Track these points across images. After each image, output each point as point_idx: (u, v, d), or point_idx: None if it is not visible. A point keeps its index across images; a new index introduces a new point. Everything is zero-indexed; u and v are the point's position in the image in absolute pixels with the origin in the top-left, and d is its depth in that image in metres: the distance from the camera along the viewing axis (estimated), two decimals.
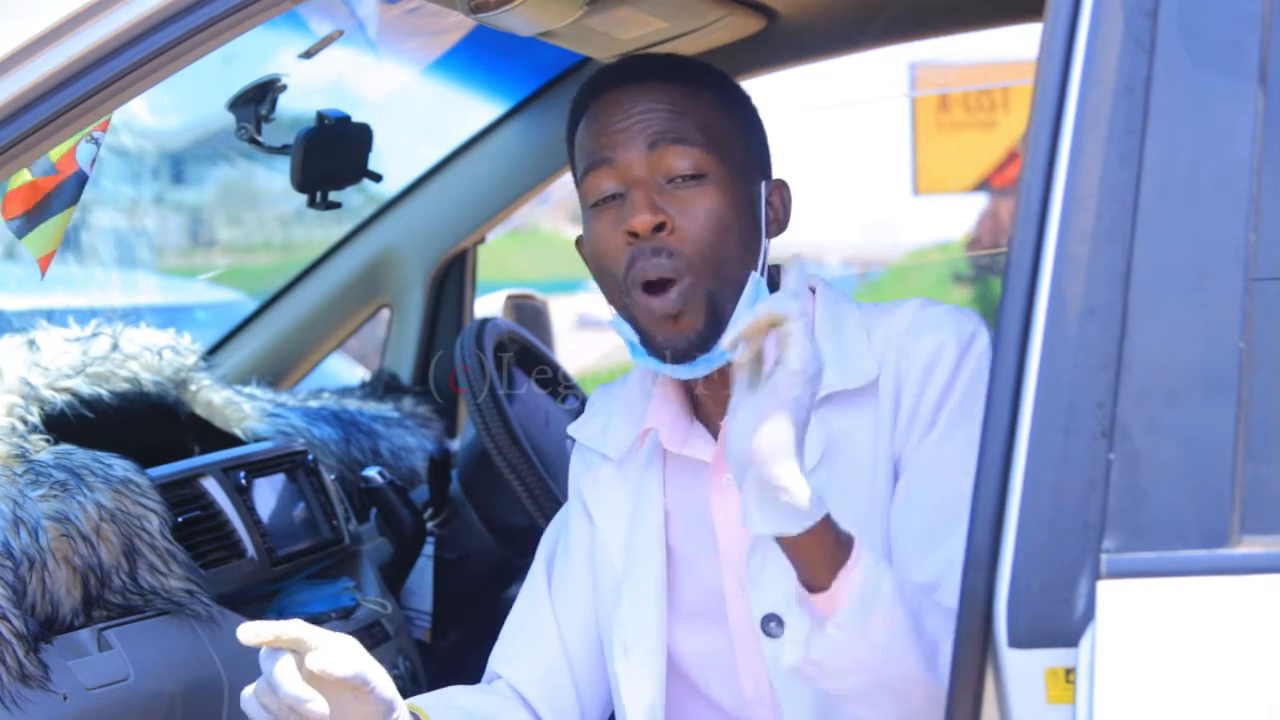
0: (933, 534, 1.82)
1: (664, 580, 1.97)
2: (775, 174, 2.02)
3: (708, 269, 1.88)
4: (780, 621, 1.85)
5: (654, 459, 2.00)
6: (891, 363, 1.90)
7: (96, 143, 2.26)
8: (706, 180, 1.90)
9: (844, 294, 2.00)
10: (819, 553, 1.61)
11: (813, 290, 1.99)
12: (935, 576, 1.79)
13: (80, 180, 2.27)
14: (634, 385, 2.05)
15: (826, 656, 1.62)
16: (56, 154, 2.25)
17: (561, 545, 2.10)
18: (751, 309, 1.78)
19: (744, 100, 2.01)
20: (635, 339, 1.93)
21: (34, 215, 2.28)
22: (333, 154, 2.72)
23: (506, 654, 2.07)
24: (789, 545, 1.60)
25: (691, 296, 1.88)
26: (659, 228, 1.88)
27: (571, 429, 2.11)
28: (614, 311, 1.96)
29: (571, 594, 2.06)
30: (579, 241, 2.01)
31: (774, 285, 1.97)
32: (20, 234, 2.30)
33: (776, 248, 2.01)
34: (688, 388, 1.99)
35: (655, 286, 1.89)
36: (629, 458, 2.02)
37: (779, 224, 1.98)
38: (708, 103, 1.94)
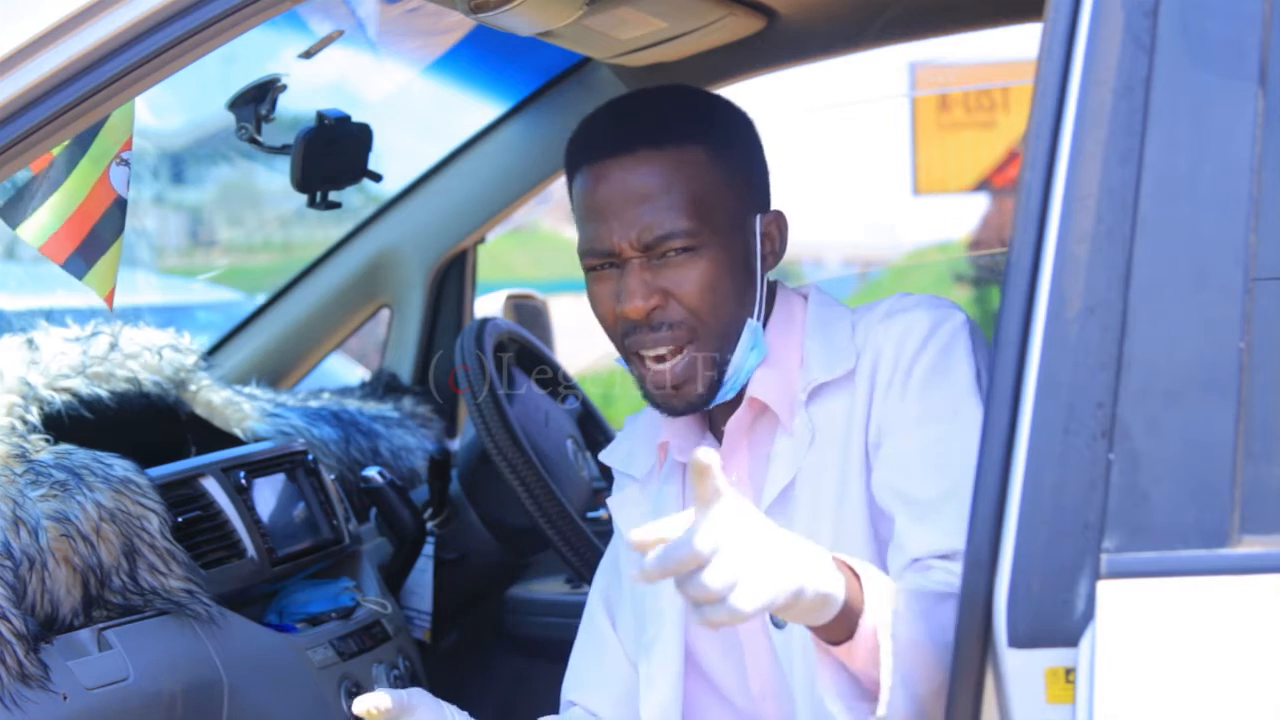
0: (929, 503, 1.84)
1: None
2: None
3: (707, 333, 1.94)
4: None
5: (673, 472, 2.08)
6: (871, 348, 1.94)
7: (127, 164, 2.25)
8: (699, 251, 1.93)
9: (834, 299, 2.05)
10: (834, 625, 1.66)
11: (805, 297, 2.03)
12: (946, 545, 1.80)
13: (121, 206, 2.26)
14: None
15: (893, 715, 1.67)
16: (86, 184, 2.23)
17: (616, 575, 2.16)
18: (749, 355, 1.91)
19: (744, 134, 2.02)
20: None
21: (87, 252, 2.26)
22: (333, 154, 2.71)
23: (581, 681, 2.14)
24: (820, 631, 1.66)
25: (693, 363, 1.94)
26: (654, 307, 1.93)
27: (602, 456, 2.18)
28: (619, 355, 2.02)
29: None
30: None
31: (770, 299, 2.01)
32: (80, 275, 2.28)
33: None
34: None
35: (659, 360, 1.94)
36: (651, 475, 2.10)
37: (775, 255, 2.02)
38: (701, 160, 1.94)
